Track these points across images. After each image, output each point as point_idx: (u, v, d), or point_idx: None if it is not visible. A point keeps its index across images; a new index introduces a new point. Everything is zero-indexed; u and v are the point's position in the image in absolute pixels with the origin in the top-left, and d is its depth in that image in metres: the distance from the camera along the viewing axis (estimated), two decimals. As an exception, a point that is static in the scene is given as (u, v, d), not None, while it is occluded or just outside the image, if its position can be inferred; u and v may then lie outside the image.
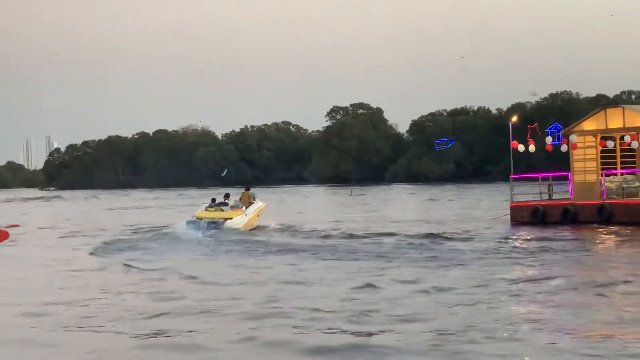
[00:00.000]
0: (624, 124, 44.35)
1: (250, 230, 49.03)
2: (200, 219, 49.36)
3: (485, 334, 16.45)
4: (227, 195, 54.13)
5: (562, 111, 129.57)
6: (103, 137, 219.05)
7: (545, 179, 48.03)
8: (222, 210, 50.48)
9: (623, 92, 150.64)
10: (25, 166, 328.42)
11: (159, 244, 42.21)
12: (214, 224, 48.60)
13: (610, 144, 44.50)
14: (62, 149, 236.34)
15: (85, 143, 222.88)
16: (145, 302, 21.91)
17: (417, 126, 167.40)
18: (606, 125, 45.04)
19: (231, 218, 49.20)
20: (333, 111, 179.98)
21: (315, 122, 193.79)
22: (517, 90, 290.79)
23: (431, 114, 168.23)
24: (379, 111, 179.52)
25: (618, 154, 44.62)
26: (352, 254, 33.30)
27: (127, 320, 19.23)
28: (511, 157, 47.72)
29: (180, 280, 26.79)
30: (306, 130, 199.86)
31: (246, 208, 50.86)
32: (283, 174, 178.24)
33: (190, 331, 17.52)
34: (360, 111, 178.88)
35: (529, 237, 38.02)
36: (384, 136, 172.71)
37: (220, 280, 26.50)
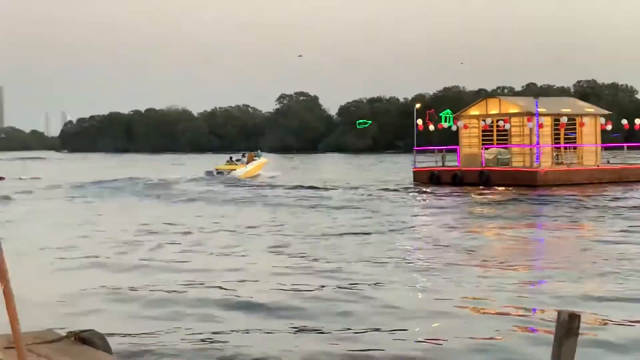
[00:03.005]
0: (499, 110, 44.63)
1: (250, 177, 53.38)
2: (217, 170, 55.53)
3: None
4: (244, 154, 59.79)
5: (452, 100, 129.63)
6: (105, 112, 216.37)
7: (440, 150, 48.15)
8: (236, 164, 56.43)
9: (498, 87, 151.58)
10: (45, 134, 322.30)
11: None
12: (221, 174, 54.28)
13: (488, 121, 44.72)
14: (74, 122, 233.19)
15: (91, 117, 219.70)
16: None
17: (344, 110, 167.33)
18: (486, 111, 45.32)
19: (235, 170, 54.52)
20: (281, 97, 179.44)
21: (267, 105, 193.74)
22: (418, 83, 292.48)
23: (355, 101, 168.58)
24: (315, 98, 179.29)
25: (495, 133, 44.85)
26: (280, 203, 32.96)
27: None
28: (415, 134, 47.83)
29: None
30: (260, 111, 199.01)
31: (248, 163, 56.31)
32: (243, 145, 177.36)
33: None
34: (302, 98, 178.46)
35: (425, 193, 38.26)
36: (319, 117, 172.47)
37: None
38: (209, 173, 55.40)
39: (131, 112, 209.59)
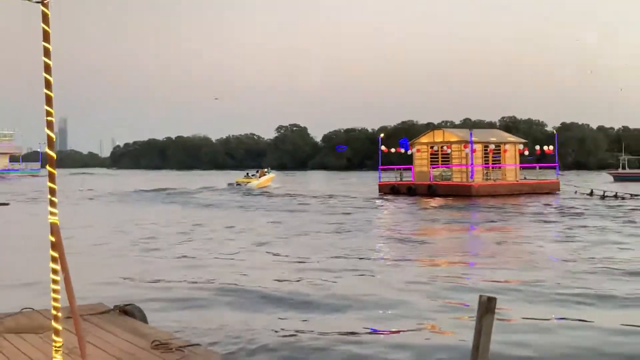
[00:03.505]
0: (443, 139, 44.69)
1: (262, 187, 53.82)
2: (237, 182, 56.19)
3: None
4: (257, 170, 61.46)
5: (407, 131, 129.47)
6: (145, 139, 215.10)
7: (398, 169, 48.17)
8: (251, 178, 57.39)
9: (443, 121, 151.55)
10: (99, 155, 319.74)
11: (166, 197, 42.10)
12: (239, 185, 54.76)
13: (435, 149, 44.79)
14: (121, 145, 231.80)
15: (134, 142, 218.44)
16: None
17: (327, 138, 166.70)
18: (433, 140, 45.34)
19: (250, 182, 55.25)
20: (279, 127, 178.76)
21: (269, 133, 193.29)
22: (382, 117, 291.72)
23: (334, 131, 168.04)
24: (305, 129, 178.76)
25: (440, 156, 44.87)
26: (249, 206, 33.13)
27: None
28: (380, 156, 47.86)
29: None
30: (263, 138, 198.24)
31: (260, 177, 57.17)
32: (250, 163, 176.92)
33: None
34: (295, 128, 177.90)
35: (386, 201, 38.25)
36: (308, 143, 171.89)
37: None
38: (230, 184, 55.97)
39: (165, 139, 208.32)
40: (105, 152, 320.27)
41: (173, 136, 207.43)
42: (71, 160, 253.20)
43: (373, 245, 18.04)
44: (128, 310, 7.65)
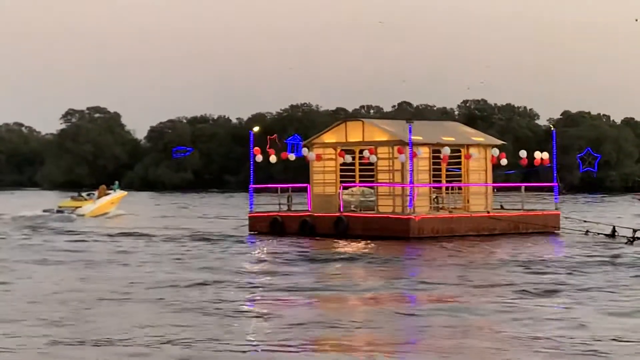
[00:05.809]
0: (363, 137, 44.93)
1: (102, 214, 60.77)
2: (58, 207, 62.00)
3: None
4: (99, 188, 66.28)
5: (301, 123, 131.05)
6: None
7: (284, 190, 48.35)
8: (86, 199, 63.47)
9: (362, 107, 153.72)
10: None
11: None
12: (61, 212, 60.24)
13: (349, 158, 45.22)
14: None
15: None
16: None
17: (155, 133, 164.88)
18: (346, 139, 45.46)
19: (80, 207, 61.44)
20: (69, 114, 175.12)
21: (50, 124, 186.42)
22: (257, 100, 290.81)
23: (170, 121, 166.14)
24: (116, 116, 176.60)
25: (357, 167, 45.40)
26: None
27: None
28: (252, 167, 47.91)
29: None
30: (39, 132, 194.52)
31: (99, 198, 63.43)
32: (13, 177, 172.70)
33: None
34: (97, 115, 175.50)
35: (261, 246, 38.39)
36: (121, 142, 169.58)
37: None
38: (47, 211, 60.66)
39: None
40: None
41: None
42: None
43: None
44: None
